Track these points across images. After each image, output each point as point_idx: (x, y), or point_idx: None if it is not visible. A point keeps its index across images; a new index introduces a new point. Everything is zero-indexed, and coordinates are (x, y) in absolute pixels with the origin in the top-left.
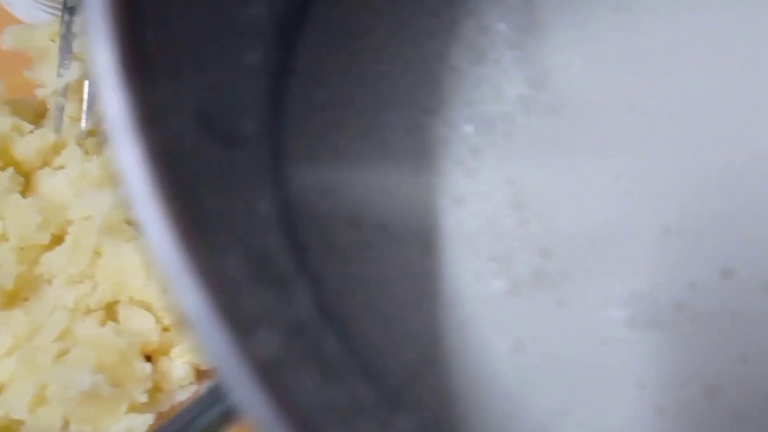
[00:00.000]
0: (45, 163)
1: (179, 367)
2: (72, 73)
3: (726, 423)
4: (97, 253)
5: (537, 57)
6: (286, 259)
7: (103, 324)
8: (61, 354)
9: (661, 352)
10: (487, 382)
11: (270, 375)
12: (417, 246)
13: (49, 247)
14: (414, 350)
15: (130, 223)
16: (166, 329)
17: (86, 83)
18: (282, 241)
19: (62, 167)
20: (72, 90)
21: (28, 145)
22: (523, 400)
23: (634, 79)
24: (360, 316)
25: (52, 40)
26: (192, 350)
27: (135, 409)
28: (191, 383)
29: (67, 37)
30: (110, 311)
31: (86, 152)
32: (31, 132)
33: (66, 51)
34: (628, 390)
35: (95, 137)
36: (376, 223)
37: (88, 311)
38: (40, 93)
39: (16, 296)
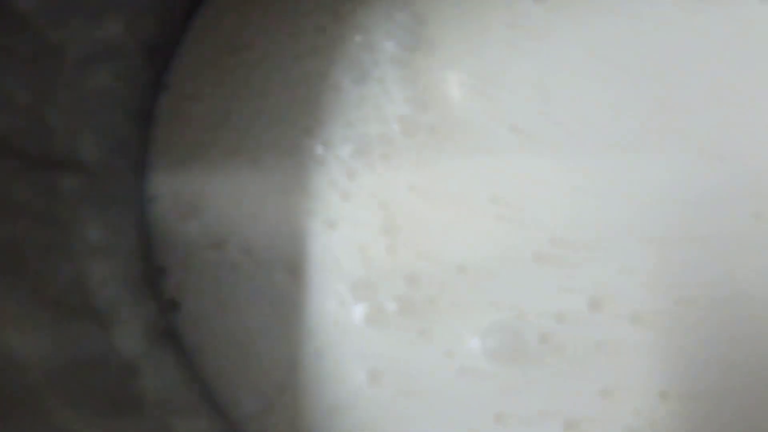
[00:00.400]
0: None
1: None
2: None
3: None
4: None
5: (421, 75)
6: (115, 289)
7: None
8: None
9: (521, 384)
10: (342, 413)
11: None
12: (283, 270)
13: None
14: (270, 378)
15: None
16: None
17: None
18: (115, 270)
19: None
20: None
21: None
22: None
23: (519, 99)
24: (214, 343)
25: None
26: None
27: None
28: None
29: None
30: None
31: None
32: None
33: None
34: (484, 422)
35: None
36: (242, 246)
37: None
38: None
39: None
